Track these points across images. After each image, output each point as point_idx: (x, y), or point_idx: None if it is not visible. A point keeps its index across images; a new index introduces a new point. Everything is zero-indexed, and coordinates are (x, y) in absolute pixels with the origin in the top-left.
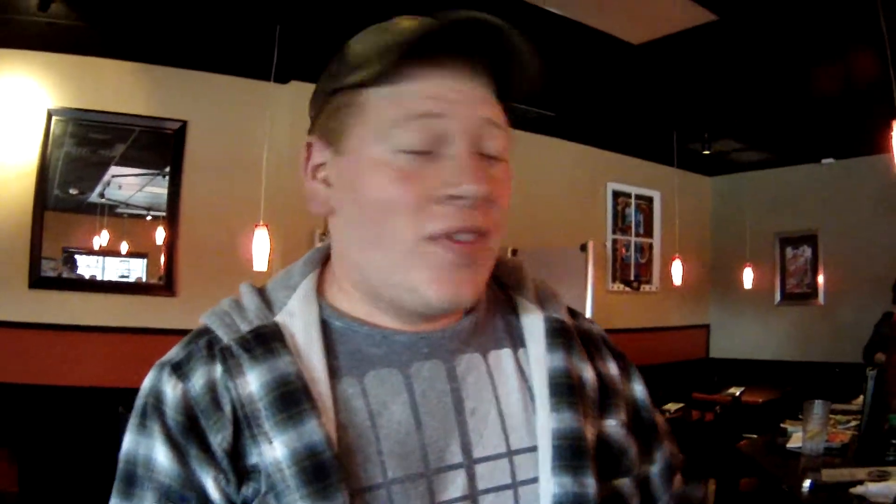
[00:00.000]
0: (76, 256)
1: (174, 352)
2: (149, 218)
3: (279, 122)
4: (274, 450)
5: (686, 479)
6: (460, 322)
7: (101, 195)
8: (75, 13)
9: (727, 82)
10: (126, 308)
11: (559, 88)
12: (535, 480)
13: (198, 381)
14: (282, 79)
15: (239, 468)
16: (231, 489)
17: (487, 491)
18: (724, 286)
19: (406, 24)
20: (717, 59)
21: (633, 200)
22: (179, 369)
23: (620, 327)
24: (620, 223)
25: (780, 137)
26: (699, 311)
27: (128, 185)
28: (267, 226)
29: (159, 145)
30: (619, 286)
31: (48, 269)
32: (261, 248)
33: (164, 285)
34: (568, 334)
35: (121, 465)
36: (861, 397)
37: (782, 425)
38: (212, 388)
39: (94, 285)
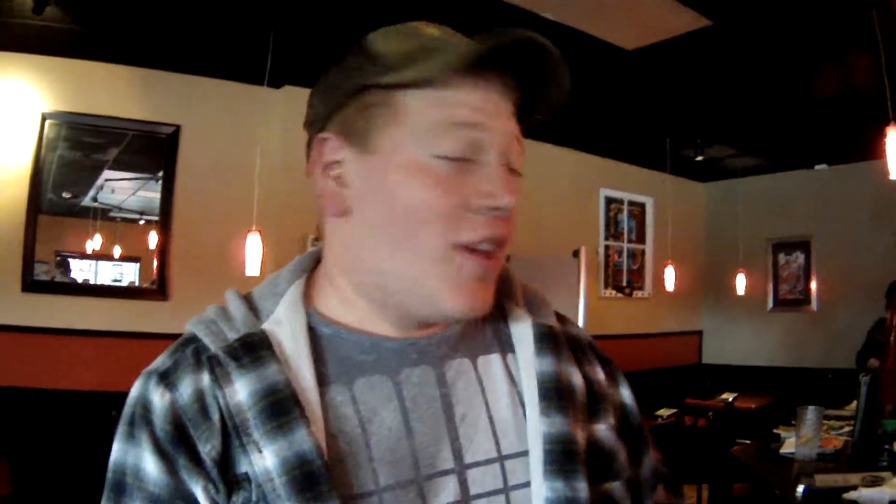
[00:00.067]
0: (69, 260)
1: (161, 360)
2: (142, 222)
3: (272, 127)
4: (264, 459)
5: (670, 492)
6: (449, 328)
7: (95, 199)
8: (70, 17)
9: (720, 88)
10: (119, 312)
11: None
12: (526, 485)
13: (185, 390)
14: (275, 83)
15: (228, 477)
16: (221, 498)
17: (479, 496)
18: (717, 292)
19: (433, 31)
20: (710, 65)
21: (625, 206)
22: (166, 378)
23: (613, 333)
24: (613, 229)
25: (774, 143)
26: (692, 317)
27: (121, 189)
28: (259, 231)
29: (152, 149)
30: (611, 292)
31: (41, 273)
32: (253, 253)
33: (156, 289)
34: (557, 339)
35: (110, 473)
36: (854, 403)
37: (775, 431)
38: (200, 398)
39: (86, 289)
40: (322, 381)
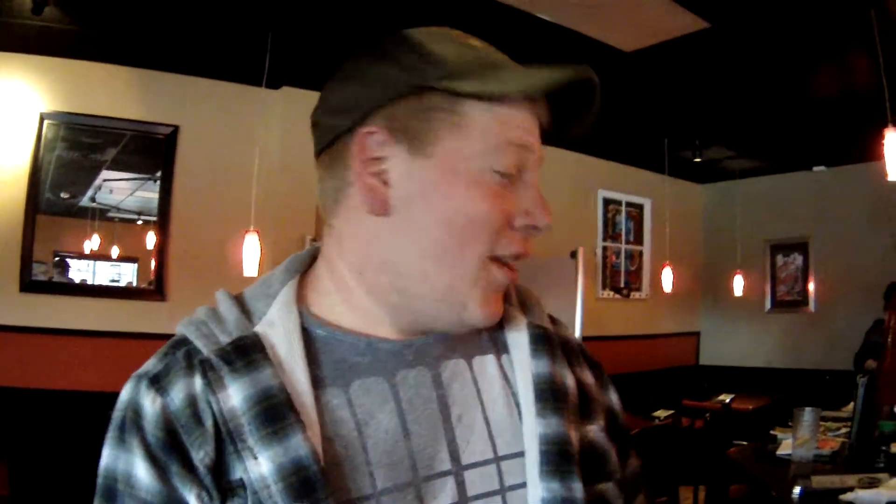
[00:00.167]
0: (68, 260)
1: (151, 363)
2: (140, 222)
3: (271, 128)
4: (259, 465)
5: (649, 499)
6: None
7: (93, 199)
8: (69, 17)
9: (719, 90)
10: (116, 312)
11: None
12: (522, 486)
13: (177, 395)
14: (273, 84)
15: (222, 484)
16: None
17: (476, 497)
18: (715, 293)
19: (477, 43)
20: (708, 66)
21: (623, 208)
22: (157, 382)
23: (610, 334)
24: (611, 230)
25: (772, 145)
26: (689, 319)
27: (119, 189)
28: (257, 231)
29: (151, 150)
30: (608, 293)
31: (39, 273)
32: (251, 254)
33: (154, 290)
34: (551, 341)
35: (100, 479)
36: (851, 404)
37: (772, 432)
38: (192, 403)
39: (84, 289)
40: (317, 384)
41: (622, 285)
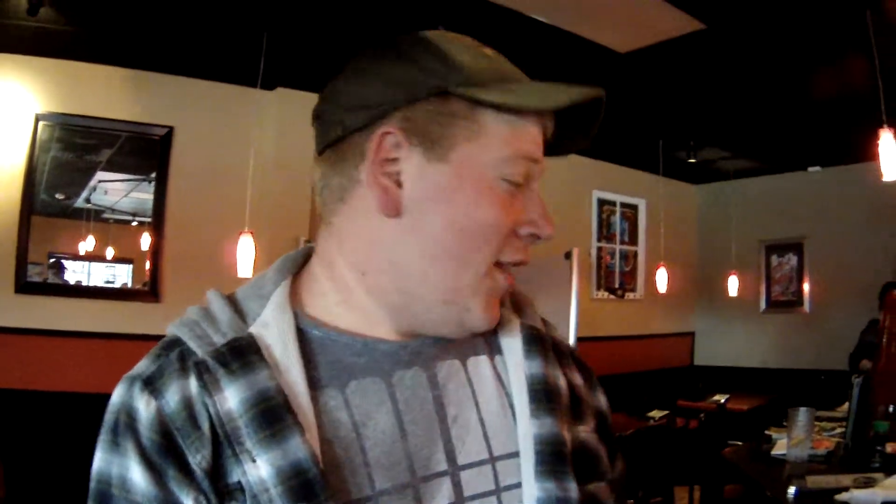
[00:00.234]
0: (63, 262)
1: (144, 365)
2: (134, 223)
3: (265, 129)
4: (258, 469)
5: None
6: None
7: (88, 200)
8: (64, 18)
9: (713, 91)
10: (111, 314)
11: None
12: (517, 486)
13: (172, 397)
14: (268, 85)
15: (219, 488)
16: None
17: (473, 497)
18: (710, 294)
19: (490, 52)
20: (703, 67)
21: (618, 208)
22: (151, 384)
23: (605, 335)
24: (605, 231)
25: (767, 145)
26: (684, 319)
27: (114, 190)
28: (252, 232)
29: (145, 151)
30: (603, 294)
31: (34, 275)
32: (245, 255)
33: (148, 291)
34: (544, 343)
35: (93, 483)
36: (846, 404)
37: (767, 432)
38: (188, 405)
39: (79, 291)
40: (313, 385)
41: (617, 286)
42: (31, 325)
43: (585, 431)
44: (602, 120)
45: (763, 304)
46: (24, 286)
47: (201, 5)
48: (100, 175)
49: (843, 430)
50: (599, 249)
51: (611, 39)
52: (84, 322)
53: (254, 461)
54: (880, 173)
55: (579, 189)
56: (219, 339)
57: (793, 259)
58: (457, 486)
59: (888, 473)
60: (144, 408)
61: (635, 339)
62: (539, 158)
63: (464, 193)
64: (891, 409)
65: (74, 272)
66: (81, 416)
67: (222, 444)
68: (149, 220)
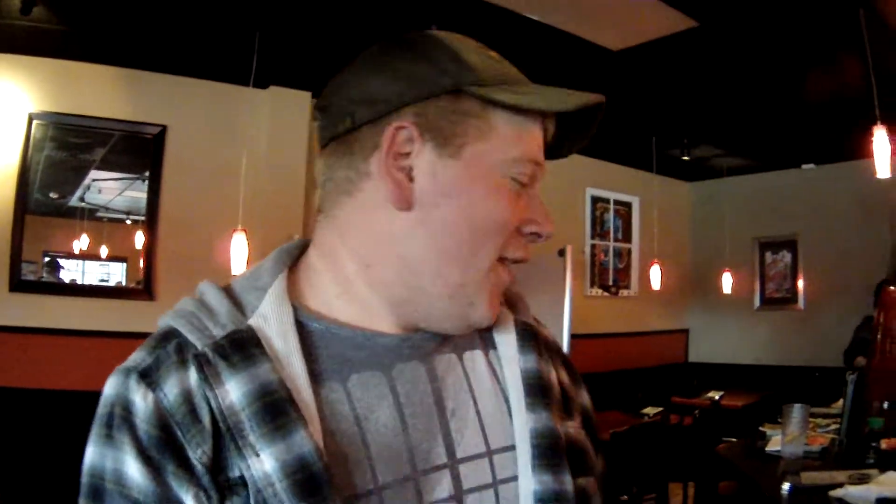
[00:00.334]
0: (59, 260)
1: (139, 357)
2: (128, 222)
3: (258, 128)
4: (262, 463)
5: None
6: None
7: (82, 199)
8: (57, 17)
9: (707, 89)
10: (106, 312)
11: None
12: (514, 479)
13: (171, 390)
14: (261, 84)
15: (220, 482)
16: None
17: (471, 490)
18: (704, 291)
19: (495, 54)
20: (696, 65)
21: (611, 206)
22: (148, 376)
23: (599, 332)
24: (599, 228)
25: (760, 143)
26: (678, 316)
27: (108, 189)
28: (245, 230)
29: (139, 150)
30: (597, 291)
31: (28, 273)
32: (239, 253)
33: (142, 289)
34: (537, 339)
35: (85, 478)
36: (841, 401)
37: (761, 429)
38: (187, 399)
39: (74, 289)
40: (315, 378)
41: (610, 283)
42: (25, 324)
43: (574, 427)
44: (598, 123)
45: (757, 302)
46: (18, 285)
47: (194, 4)
48: (93, 174)
49: (837, 426)
50: (593, 247)
51: (604, 37)
52: (78, 320)
53: (257, 455)
54: (874, 170)
55: (573, 186)
56: (218, 332)
57: (787, 256)
58: (456, 479)
59: (883, 470)
60: (141, 400)
61: (630, 336)
62: (542, 161)
63: (475, 190)
64: (885, 405)
65: (68, 271)
66: (76, 414)
67: (224, 437)
68: (142, 218)
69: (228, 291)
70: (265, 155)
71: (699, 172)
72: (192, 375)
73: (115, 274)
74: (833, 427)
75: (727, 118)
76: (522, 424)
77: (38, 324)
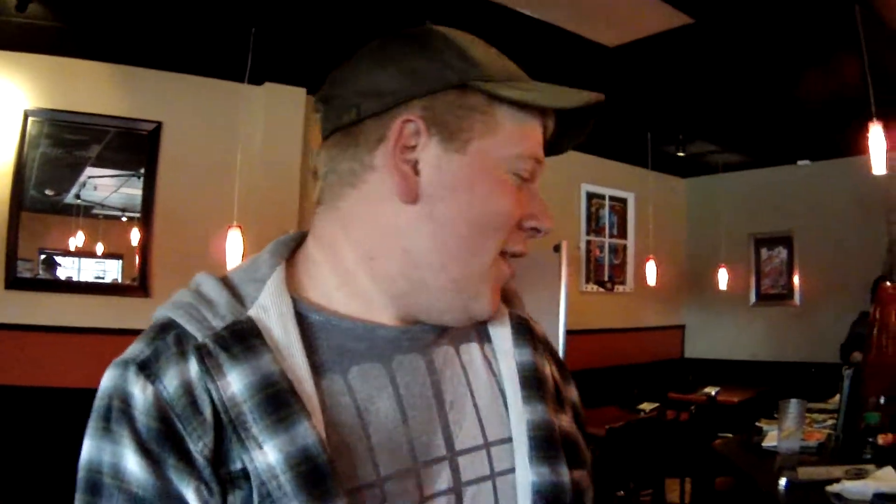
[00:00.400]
0: (55, 258)
1: (137, 348)
2: (124, 219)
3: (253, 124)
4: (265, 455)
5: None
6: None
7: (77, 196)
8: (52, 14)
9: (702, 85)
10: (102, 309)
11: None
12: (511, 471)
13: (171, 382)
14: (256, 80)
15: (221, 475)
16: (215, 500)
17: (469, 483)
18: (699, 287)
19: (495, 50)
20: (691, 61)
21: (606, 202)
22: (147, 368)
23: (594, 328)
24: (594, 224)
25: (756, 139)
26: (674, 312)
27: (103, 186)
28: (240, 227)
29: (134, 146)
30: (592, 287)
31: (24, 271)
32: (234, 249)
33: (138, 286)
34: (532, 332)
35: (82, 473)
36: (837, 396)
37: (757, 424)
38: (188, 391)
39: (69, 286)
40: (315, 369)
41: (606, 279)
42: (21, 321)
43: (567, 420)
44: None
45: (753, 298)
46: (14, 282)
47: (189, 1)
48: (89, 171)
49: (833, 422)
50: (588, 243)
51: (599, 34)
52: (74, 318)
53: (260, 447)
54: (869, 167)
55: (568, 182)
56: (218, 323)
57: (782, 252)
58: (455, 471)
59: (879, 465)
60: (140, 393)
61: (625, 331)
62: (542, 158)
63: (479, 185)
64: (882, 400)
65: (65, 268)
66: (73, 411)
67: (226, 430)
68: (138, 215)
69: (226, 282)
70: (260, 151)
71: (695, 168)
72: (193, 367)
73: (111, 271)
74: (829, 422)
75: (723, 114)
76: (519, 417)
77: (35, 321)
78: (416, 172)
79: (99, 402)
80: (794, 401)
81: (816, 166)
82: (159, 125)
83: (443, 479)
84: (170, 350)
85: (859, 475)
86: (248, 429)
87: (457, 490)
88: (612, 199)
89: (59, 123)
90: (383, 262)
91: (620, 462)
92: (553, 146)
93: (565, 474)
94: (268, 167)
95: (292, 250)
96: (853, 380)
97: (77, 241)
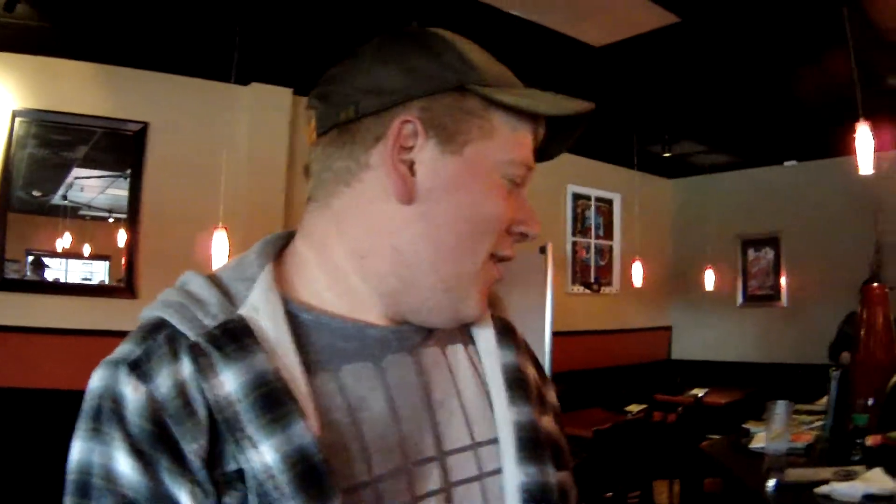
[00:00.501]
0: (43, 259)
1: (127, 348)
2: (111, 220)
3: (239, 124)
4: (261, 455)
5: None
6: None
7: (64, 197)
8: (39, 14)
9: (688, 85)
10: (89, 310)
11: None
12: (498, 472)
13: (163, 382)
14: (242, 80)
15: (216, 477)
16: (210, 502)
17: (458, 483)
18: (686, 288)
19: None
20: (678, 61)
21: (592, 203)
22: (138, 368)
23: (580, 329)
24: (580, 226)
25: (742, 140)
26: (661, 313)
27: (90, 187)
28: (226, 228)
29: (121, 147)
30: (578, 288)
31: (11, 272)
32: (220, 250)
33: (125, 287)
34: (515, 334)
35: (71, 475)
36: (825, 398)
37: (744, 426)
38: (182, 391)
39: (57, 288)
40: (307, 368)
41: (592, 280)
42: (8, 323)
43: (549, 422)
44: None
45: (740, 299)
46: (2, 283)
47: (175, 1)
48: (76, 171)
49: (822, 423)
50: (574, 244)
51: (585, 33)
52: (62, 319)
53: (256, 447)
54: (857, 167)
55: (554, 183)
56: (210, 322)
57: (769, 253)
58: (444, 471)
59: (869, 466)
60: (132, 393)
61: (612, 333)
62: (533, 165)
63: (474, 188)
64: (870, 402)
65: (52, 269)
66: (59, 413)
67: (220, 430)
68: (124, 216)
69: (215, 281)
70: (246, 152)
71: (681, 169)
72: (186, 367)
73: (98, 272)
74: (818, 424)
75: (709, 115)
76: (504, 417)
77: (22, 322)
78: (413, 173)
79: (88, 403)
80: (781, 402)
81: (803, 167)
82: (145, 125)
83: (433, 480)
84: (161, 349)
85: (848, 476)
86: (243, 429)
87: (446, 490)
88: (598, 199)
89: (46, 124)
90: (374, 261)
91: (608, 464)
92: (542, 152)
93: (552, 475)
94: (254, 168)
95: (280, 249)
96: (841, 381)
97: (64, 242)
